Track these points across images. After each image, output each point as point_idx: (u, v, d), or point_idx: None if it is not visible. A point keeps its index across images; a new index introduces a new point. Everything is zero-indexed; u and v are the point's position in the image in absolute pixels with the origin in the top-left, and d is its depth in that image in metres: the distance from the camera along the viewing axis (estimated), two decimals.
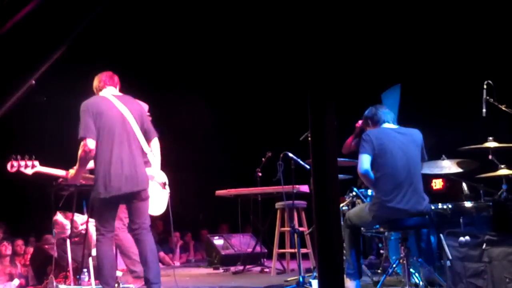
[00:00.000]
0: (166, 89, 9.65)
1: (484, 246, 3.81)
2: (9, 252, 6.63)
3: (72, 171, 4.42)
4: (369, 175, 4.21)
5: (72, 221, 5.49)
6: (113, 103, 4.29)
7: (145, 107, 5.01)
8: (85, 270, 5.23)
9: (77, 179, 4.43)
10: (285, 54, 8.03)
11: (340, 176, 5.56)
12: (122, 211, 5.19)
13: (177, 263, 9.04)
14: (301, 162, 5.47)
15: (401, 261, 4.22)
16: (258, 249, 7.49)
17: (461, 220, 4.51)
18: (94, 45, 7.67)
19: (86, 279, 5.17)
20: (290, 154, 5.44)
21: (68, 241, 5.31)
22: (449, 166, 5.08)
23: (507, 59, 6.75)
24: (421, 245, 4.48)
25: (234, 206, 7.65)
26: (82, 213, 5.68)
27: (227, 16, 8.43)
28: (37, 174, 4.66)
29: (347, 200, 5.54)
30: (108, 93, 4.39)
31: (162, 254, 8.94)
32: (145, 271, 4.19)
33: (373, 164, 4.27)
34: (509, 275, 3.66)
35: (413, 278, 4.43)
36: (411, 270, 4.34)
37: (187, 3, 7.79)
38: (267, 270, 6.78)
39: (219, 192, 7.06)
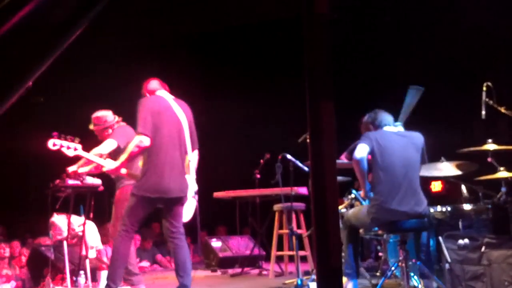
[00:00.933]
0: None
1: (483, 249, 3.80)
2: (6, 254, 6.60)
3: (113, 161, 4.38)
4: (362, 163, 4.17)
5: (69, 223, 5.46)
6: (171, 105, 4.29)
7: None
8: (82, 272, 5.21)
9: (117, 171, 4.37)
10: (284, 55, 8.03)
11: (339, 178, 5.54)
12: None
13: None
14: (299, 164, 5.46)
15: (400, 264, 4.21)
16: (256, 251, 7.46)
17: (460, 222, 4.51)
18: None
19: (83, 281, 5.14)
20: (289, 156, 5.42)
21: (65, 243, 5.28)
22: (448, 168, 5.07)
23: (507, 60, 6.75)
24: (420, 248, 4.46)
25: (232, 208, 7.63)
26: (79, 215, 5.66)
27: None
28: (77, 158, 4.59)
29: (346, 202, 5.52)
30: (165, 95, 4.39)
31: (160, 256, 8.92)
32: (183, 277, 4.15)
33: (371, 165, 4.26)
34: (508, 277, 3.65)
35: (412, 281, 4.41)
36: (410, 273, 4.32)
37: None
38: (265, 272, 6.76)
39: (217, 194, 7.04)
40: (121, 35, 8.46)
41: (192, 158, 4.41)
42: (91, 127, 5.35)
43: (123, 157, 4.23)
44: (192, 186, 4.45)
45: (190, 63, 9.37)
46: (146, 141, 4.05)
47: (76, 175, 4.98)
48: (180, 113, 4.30)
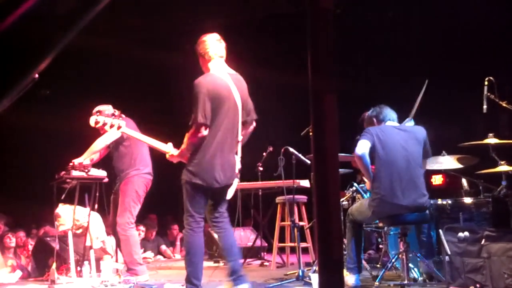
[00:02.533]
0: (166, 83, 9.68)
1: (483, 241, 3.84)
2: (12, 244, 6.66)
3: (173, 149, 4.06)
4: (364, 159, 4.23)
5: (74, 214, 5.52)
6: (229, 87, 3.90)
7: None
8: (86, 262, 5.27)
9: (176, 160, 4.05)
10: (287, 49, 8.05)
11: (340, 170, 5.58)
12: (133, 206, 5.20)
13: (178, 256, 9.07)
14: (302, 157, 5.49)
15: (400, 255, 4.25)
16: (258, 243, 7.51)
17: (460, 215, 4.54)
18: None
19: (88, 271, 5.20)
20: (291, 149, 5.46)
21: (70, 233, 5.34)
22: (449, 162, 5.10)
23: (509, 55, 6.76)
24: (420, 240, 4.51)
25: (234, 200, 7.67)
26: (84, 206, 5.72)
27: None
28: (155, 130, 4.31)
29: (347, 195, 5.57)
30: (222, 71, 3.98)
31: (164, 247, 8.97)
32: (233, 261, 3.93)
33: (373, 159, 4.30)
34: (507, 270, 3.69)
35: (412, 272, 4.46)
36: (410, 264, 4.37)
37: None
38: (267, 264, 6.81)
39: None
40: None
41: (245, 132, 4.05)
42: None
43: (183, 148, 3.93)
44: (237, 165, 4.09)
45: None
46: (205, 131, 3.76)
47: (81, 167, 5.03)
48: (236, 93, 3.92)
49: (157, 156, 5.52)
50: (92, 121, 4.23)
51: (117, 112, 5.29)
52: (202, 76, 3.92)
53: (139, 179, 5.23)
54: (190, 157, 3.88)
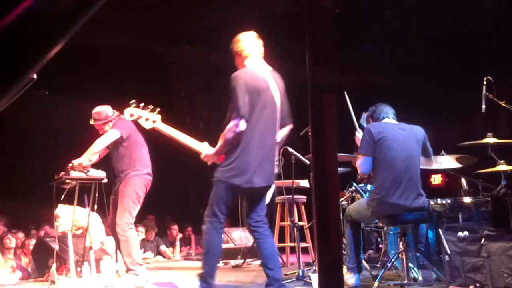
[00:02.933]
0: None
1: (482, 241, 3.84)
2: (12, 245, 6.66)
3: (209, 148, 3.86)
4: (368, 173, 4.33)
5: (73, 215, 5.52)
6: (267, 81, 3.75)
7: None
8: (86, 263, 5.27)
9: (213, 160, 3.85)
10: (285, 48, 8.04)
11: (340, 170, 5.59)
12: (132, 207, 5.20)
13: (178, 256, 9.08)
14: (301, 157, 5.49)
15: (400, 255, 4.26)
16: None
17: (459, 215, 4.54)
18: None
19: (87, 272, 5.20)
20: (290, 149, 5.46)
21: (69, 234, 5.34)
22: (448, 162, 5.10)
23: (507, 54, 6.76)
24: (419, 239, 4.51)
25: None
26: (84, 207, 5.72)
27: None
28: (154, 131, 4.08)
29: (347, 194, 5.57)
30: (260, 66, 3.84)
31: (163, 247, 8.98)
32: (273, 270, 3.71)
33: (373, 159, 4.30)
34: (507, 269, 3.69)
35: (412, 272, 4.46)
36: (410, 264, 4.37)
37: None
38: None
39: None
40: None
41: (280, 135, 3.88)
42: (92, 122, 5.40)
43: (219, 146, 3.75)
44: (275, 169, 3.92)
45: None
46: (242, 125, 3.57)
47: (80, 167, 5.03)
48: (275, 89, 3.76)
49: (156, 157, 5.53)
50: (126, 114, 4.05)
51: (116, 113, 5.32)
52: (239, 70, 3.78)
53: (138, 180, 5.23)
54: (226, 154, 3.69)
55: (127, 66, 8.88)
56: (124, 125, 5.18)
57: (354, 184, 5.47)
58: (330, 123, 1.28)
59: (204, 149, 3.89)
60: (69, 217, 5.61)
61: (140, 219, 7.81)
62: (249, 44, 3.86)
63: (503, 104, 4.69)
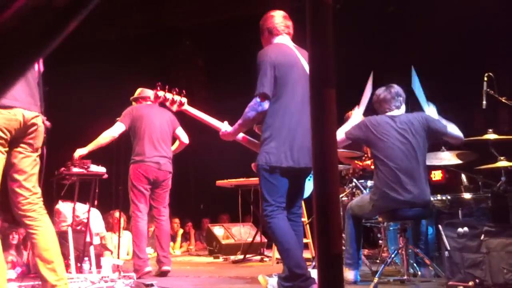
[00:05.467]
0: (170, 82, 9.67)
1: (482, 237, 3.84)
2: (14, 242, 6.67)
3: (227, 126, 3.71)
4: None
5: (74, 210, 5.53)
6: (297, 56, 3.55)
7: None
8: (86, 258, 5.28)
9: (230, 137, 3.71)
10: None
11: (340, 166, 5.59)
12: (133, 196, 5.32)
13: (178, 252, 9.09)
14: None
15: (399, 251, 4.26)
16: (258, 238, 7.53)
17: (459, 211, 4.55)
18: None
19: (88, 267, 5.21)
20: None
21: (69, 230, 5.35)
22: (448, 158, 5.11)
23: (508, 50, 6.75)
24: (419, 236, 4.52)
25: (234, 196, 7.69)
26: (84, 202, 5.72)
27: None
28: (182, 113, 3.97)
29: (347, 190, 5.57)
30: (288, 43, 3.66)
31: None
32: (303, 267, 3.35)
33: (373, 153, 4.31)
34: (507, 265, 3.69)
35: (411, 268, 4.47)
36: (410, 260, 4.38)
37: None
38: (267, 259, 6.82)
39: (220, 182, 7.09)
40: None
41: None
42: (135, 96, 5.70)
43: (237, 124, 3.59)
44: None
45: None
46: (265, 104, 3.39)
47: (81, 163, 5.04)
48: (306, 65, 3.46)
49: None
50: (152, 95, 3.94)
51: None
52: (266, 47, 3.62)
53: (133, 169, 5.38)
54: (263, 135, 3.48)
55: (126, 60, 8.87)
56: (127, 115, 5.41)
57: (354, 180, 5.48)
58: (330, 119, 1.28)
59: (222, 126, 3.75)
60: (69, 212, 5.62)
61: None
62: (280, 22, 3.69)
63: (504, 100, 4.68)
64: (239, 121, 3.55)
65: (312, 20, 1.27)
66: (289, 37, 3.70)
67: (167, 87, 3.81)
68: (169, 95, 3.82)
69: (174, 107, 3.84)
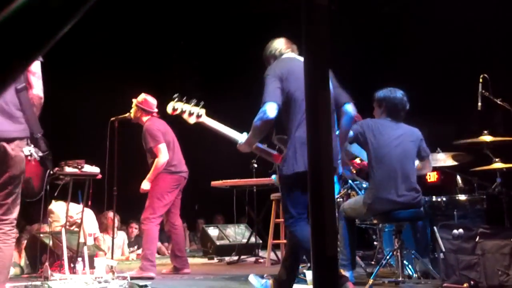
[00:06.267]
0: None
1: (477, 239, 3.84)
2: None
3: (243, 138, 3.59)
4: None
5: (67, 211, 5.50)
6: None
7: None
8: (79, 259, 5.25)
9: (246, 149, 3.62)
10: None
11: None
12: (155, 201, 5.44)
13: None
14: None
15: (394, 252, 4.25)
16: (253, 239, 7.51)
17: (455, 213, 4.55)
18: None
19: (81, 268, 5.18)
20: None
21: (63, 230, 5.32)
22: (444, 159, 5.11)
23: (504, 52, 6.76)
24: (415, 237, 4.51)
25: (229, 197, 7.67)
26: (78, 203, 5.69)
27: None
28: (200, 126, 3.73)
29: (342, 192, 5.56)
30: (295, 56, 3.65)
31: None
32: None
33: (368, 155, 4.30)
34: (501, 267, 3.69)
35: (406, 269, 4.46)
36: (404, 262, 4.37)
37: None
38: (261, 260, 6.81)
39: (215, 183, 7.07)
40: None
41: (342, 129, 3.53)
42: (134, 104, 5.69)
43: (250, 133, 3.51)
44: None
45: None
46: (271, 109, 3.30)
47: (74, 163, 5.02)
48: None
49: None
50: (169, 108, 3.69)
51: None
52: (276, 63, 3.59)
53: (167, 179, 5.59)
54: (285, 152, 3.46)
55: (121, 60, 8.84)
56: (159, 133, 5.54)
57: (350, 181, 5.47)
58: (325, 120, 1.27)
59: (240, 138, 3.62)
60: (63, 213, 5.59)
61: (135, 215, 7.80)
62: (283, 45, 3.70)
63: (499, 102, 4.69)
64: (250, 132, 3.49)
65: (307, 21, 1.26)
66: (295, 54, 3.68)
67: (185, 98, 3.65)
68: (186, 107, 3.65)
69: (192, 119, 3.65)
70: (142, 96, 5.71)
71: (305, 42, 1.27)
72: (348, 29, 7.42)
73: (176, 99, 3.66)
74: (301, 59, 3.55)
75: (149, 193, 5.50)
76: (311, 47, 1.27)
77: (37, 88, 3.10)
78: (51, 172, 3.66)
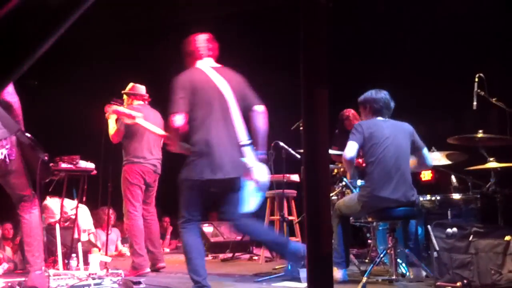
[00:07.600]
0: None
1: (471, 237, 3.85)
2: None
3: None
4: (352, 162, 4.31)
5: (62, 206, 5.49)
6: (210, 79, 3.81)
7: None
8: (74, 255, 5.24)
9: (174, 148, 3.89)
10: (278, 43, 8.02)
11: (330, 166, 5.59)
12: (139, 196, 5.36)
13: (167, 249, 9.06)
14: (292, 151, 5.48)
15: (388, 251, 4.27)
16: (247, 237, 7.51)
17: (449, 211, 4.56)
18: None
19: (75, 264, 5.17)
20: (281, 143, 5.45)
21: (57, 226, 5.31)
22: (438, 158, 5.12)
23: (499, 52, 6.78)
24: (409, 236, 4.52)
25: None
26: (72, 199, 5.68)
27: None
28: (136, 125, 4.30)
29: (337, 189, 5.57)
30: (205, 66, 3.91)
31: None
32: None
33: (364, 153, 4.32)
34: (494, 266, 3.71)
35: (400, 268, 4.48)
36: (398, 260, 4.39)
37: None
38: (255, 258, 6.81)
39: None
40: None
41: (256, 123, 3.87)
42: (125, 91, 5.63)
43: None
44: (255, 169, 3.82)
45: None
46: (177, 120, 3.65)
47: (69, 159, 5.01)
48: (223, 84, 3.79)
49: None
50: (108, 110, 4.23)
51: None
52: (181, 73, 3.87)
53: (129, 168, 5.41)
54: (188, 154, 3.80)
55: (113, 58, 8.81)
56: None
57: (345, 179, 5.48)
58: (322, 118, 1.27)
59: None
60: (57, 208, 5.58)
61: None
62: (201, 46, 3.94)
63: (494, 101, 4.70)
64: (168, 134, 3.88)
65: (305, 19, 1.26)
66: (211, 59, 3.93)
67: (119, 100, 4.19)
68: (121, 109, 4.18)
69: (127, 120, 4.31)
70: (130, 84, 5.68)
71: (302, 41, 1.27)
72: (344, 27, 7.42)
73: (113, 101, 4.17)
74: (210, 66, 3.88)
75: (122, 189, 5.39)
76: (308, 45, 1.27)
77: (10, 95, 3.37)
78: (45, 158, 3.82)
